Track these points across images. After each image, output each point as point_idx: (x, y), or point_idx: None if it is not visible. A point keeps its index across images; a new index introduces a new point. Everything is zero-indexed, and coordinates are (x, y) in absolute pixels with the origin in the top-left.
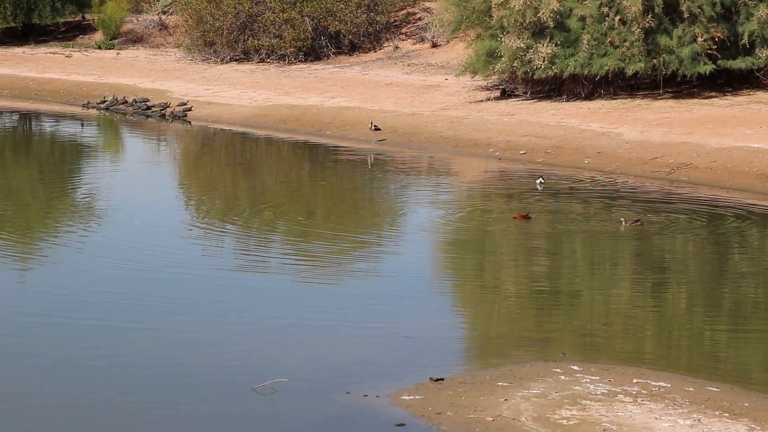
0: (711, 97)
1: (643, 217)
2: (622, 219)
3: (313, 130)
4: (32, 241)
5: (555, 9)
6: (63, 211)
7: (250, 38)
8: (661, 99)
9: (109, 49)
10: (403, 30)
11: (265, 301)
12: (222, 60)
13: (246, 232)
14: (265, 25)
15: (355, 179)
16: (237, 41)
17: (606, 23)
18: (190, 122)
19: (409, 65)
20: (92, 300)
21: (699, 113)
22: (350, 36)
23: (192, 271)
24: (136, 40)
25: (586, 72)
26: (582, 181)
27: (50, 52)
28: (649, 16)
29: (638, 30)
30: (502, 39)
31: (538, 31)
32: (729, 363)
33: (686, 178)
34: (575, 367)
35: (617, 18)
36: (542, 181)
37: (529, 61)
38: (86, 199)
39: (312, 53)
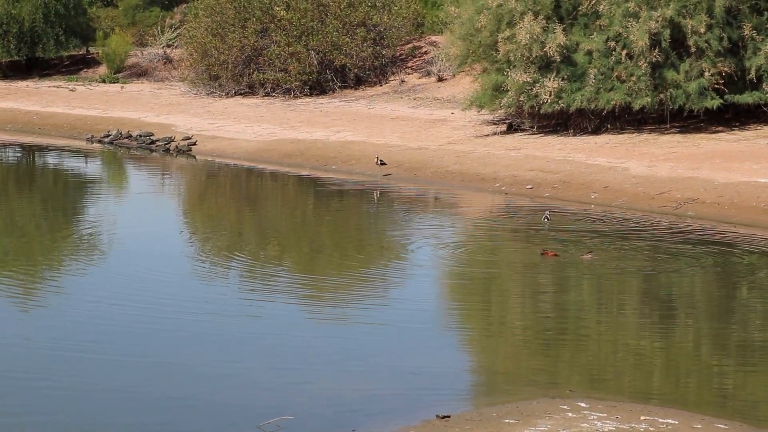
0: (718, 131)
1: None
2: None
3: (318, 164)
4: (35, 276)
5: (561, 43)
6: (67, 246)
7: (255, 72)
8: (668, 133)
9: (114, 82)
10: (409, 64)
11: (270, 337)
12: (227, 94)
13: (251, 268)
14: (271, 59)
15: (361, 214)
16: (242, 75)
17: (613, 57)
18: (194, 157)
19: (415, 99)
20: (96, 333)
21: (706, 148)
22: (356, 70)
23: (197, 306)
24: (140, 73)
25: (592, 106)
26: (587, 216)
27: (54, 86)
28: (656, 50)
29: (645, 64)
30: (509, 73)
31: (545, 66)
32: (737, 400)
33: (693, 213)
34: (582, 404)
35: (624, 52)
36: (548, 217)
37: (536, 96)
38: (90, 235)
39: (317, 87)
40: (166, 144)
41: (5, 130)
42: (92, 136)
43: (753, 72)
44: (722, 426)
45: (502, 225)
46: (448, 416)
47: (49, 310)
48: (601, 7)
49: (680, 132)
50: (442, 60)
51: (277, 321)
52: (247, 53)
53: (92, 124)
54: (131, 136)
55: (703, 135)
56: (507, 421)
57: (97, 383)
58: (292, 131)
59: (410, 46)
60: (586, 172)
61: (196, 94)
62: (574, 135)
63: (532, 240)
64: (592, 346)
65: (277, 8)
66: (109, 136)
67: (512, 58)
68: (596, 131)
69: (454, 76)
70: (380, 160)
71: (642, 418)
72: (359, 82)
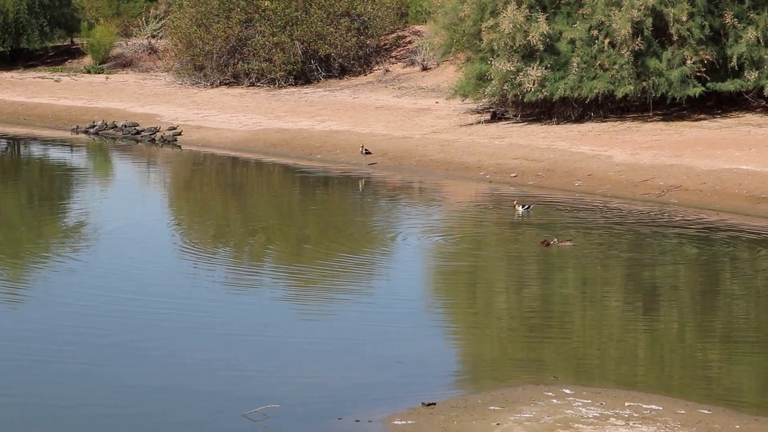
0: (700, 119)
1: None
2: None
3: (303, 153)
4: (22, 267)
5: (544, 32)
6: (53, 237)
7: (240, 62)
8: (650, 121)
9: (99, 73)
10: (394, 53)
11: (256, 327)
12: (212, 84)
13: (237, 257)
14: (255, 49)
15: (346, 204)
16: (227, 65)
17: (595, 46)
18: (180, 146)
19: (399, 88)
20: (81, 324)
21: (688, 135)
22: (340, 59)
23: (183, 296)
24: (125, 64)
25: (575, 95)
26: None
27: (39, 77)
28: (639, 39)
29: (627, 53)
30: (492, 62)
31: (528, 54)
32: (720, 385)
33: (676, 200)
34: (567, 391)
35: (607, 41)
36: (520, 207)
37: (519, 84)
38: (76, 225)
39: (302, 77)
40: (151, 134)
41: None
42: (77, 126)
43: (735, 60)
44: (705, 411)
45: (486, 214)
46: (434, 403)
47: (39, 298)
48: None
49: (663, 120)
50: (426, 49)
51: (262, 310)
52: (232, 43)
53: (77, 114)
54: (116, 126)
55: (685, 123)
56: (492, 407)
57: (80, 372)
58: (277, 121)
59: (394, 35)
60: (570, 160)
61: (181, 84)
62: (558, 123)
63: (516, 228)
64: (577, 334)
65: None
66: (94, 126)
67: (496, 47)
68: (579, 119)
69: (438, 65)
70: (365, 149)
71: (626, 404)
72: (344, 72)
